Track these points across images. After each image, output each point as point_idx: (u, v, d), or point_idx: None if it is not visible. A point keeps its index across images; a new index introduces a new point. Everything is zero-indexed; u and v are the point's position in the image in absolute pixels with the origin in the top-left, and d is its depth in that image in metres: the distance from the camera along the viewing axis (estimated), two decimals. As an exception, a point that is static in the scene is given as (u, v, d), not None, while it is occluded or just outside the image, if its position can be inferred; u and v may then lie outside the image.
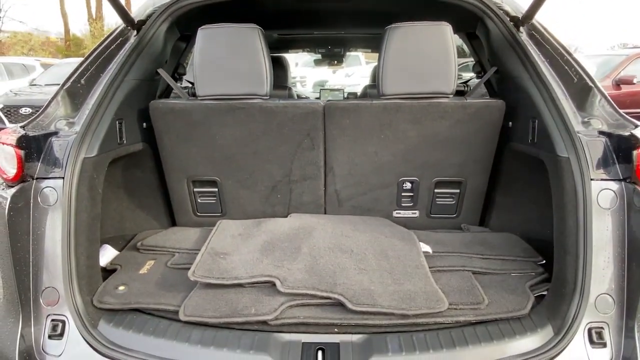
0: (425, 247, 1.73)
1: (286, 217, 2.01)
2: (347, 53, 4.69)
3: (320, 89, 5.14)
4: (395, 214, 2.04)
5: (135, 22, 1.90)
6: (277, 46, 4.18)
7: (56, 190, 1.46)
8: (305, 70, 13.76)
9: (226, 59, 1.77)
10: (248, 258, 1.59)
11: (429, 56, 1.74)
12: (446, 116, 1.78)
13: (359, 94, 3.87)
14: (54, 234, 1.44)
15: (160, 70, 1.96)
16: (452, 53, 1.74)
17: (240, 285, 1.48)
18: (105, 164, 1.62)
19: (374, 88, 3.09)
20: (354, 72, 11.66)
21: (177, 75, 2.56)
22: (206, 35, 1.77)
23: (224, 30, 1.76)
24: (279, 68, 3.67)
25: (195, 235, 1.93)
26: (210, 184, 2.00)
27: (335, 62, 5.19)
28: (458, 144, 1.85)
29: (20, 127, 1.55)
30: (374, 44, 3.87)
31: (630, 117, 1.54)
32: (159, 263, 1.73)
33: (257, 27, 1.77)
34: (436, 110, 1.77)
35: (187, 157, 1.92)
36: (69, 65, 9.80)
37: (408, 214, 2.04)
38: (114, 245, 1.92)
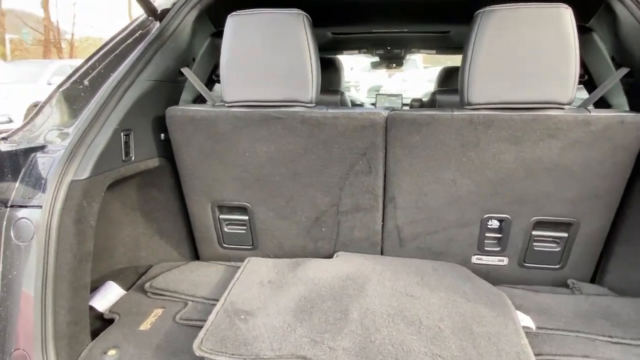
0: (525, 320, 1.24)
1: (331, 256, 1.58)
2: (408, 55, 4.22)
3: (376, 94, 4.68)
4: (475, 259, 1.55)
5: (159, 11, 1.55)
6: (331, 47, 3.79)
7: (32, 223, 1.11)
8: (359, 75, 13.33)
9: (261, 54, 1.37)
10: (276, 323, 1.17)
11: (540, 51, 1.25)
12: (559, 135, 1.28)
13: (424, 100, 3.38)
14: (28, 281, 1.10)
15: (184, 70, 1.59)
16: (573, 47, 1.24)
17: None
18: (102, 187, 1.26)
19: (446, 94, 2.59)
20: (410, 77, 11.09)
21: (216, 77, 2.20)
22: (236, 24, 1.38)
23: (259, 18, 1.36)
24: (333, 70, 3.26)
25: (217, 275, 1.55)
26: (239, 210, 1.61)
27: (395, 64, 4.71)
28: (573, 173, 1.34)
29: (1, 139, 1.23)
30: (441, 44, 3.37)
31: None
32: (166, 314, 1.36)
33: (302, 12, 1.36)
34: (545, 126, 1.28)
35: (211, 178, 1.54)
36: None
37: (493, 260, 1.54)
38: (123, 280, 1.58)
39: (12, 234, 1.12)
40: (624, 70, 1.41)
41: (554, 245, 1.49)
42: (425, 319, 1.18)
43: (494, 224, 1.48)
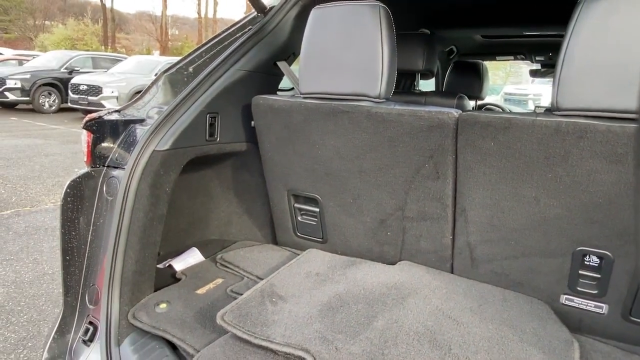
0: (591, 381, 0.98)
1: (395, 264, 1.49)
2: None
3: (536, 106, 4.19)
4: (564, 300, 1.29)
5: (267, 8, 1.68)
6: (481, 51, 3.53)
7: (119, 182, 1.32)
8: (541, 87, 11.96)
9: (335, 46, 1.36)
10: (300, 312, 1.16)
11: None
12: None
13: None
14: (109, 230, 1.31)
15: (280, 63, 1.68)
16: None
17: (271, 349, 1.07)
18: (182, 160, 1.43)
19: None
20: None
21: None
22: (317, 17, 1.40)
23: (338, 10, 1.36)
24: (473, 75, 3.04)
25: (281, 259, 1.60)
26: (311, 201, 1.64)
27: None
28: None
29: (115, 110, 1.49)
30: None
31: None
32: (224, 284, 1.47)
33: (379, 4, 1.31)
34: None
35: (287, 166, 1.60)
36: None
37: (588, 305, 1.26)
38: (208, 249, 1.75)
39: (104, 189, 1.35)
40: None
41: None
42: (458, 347, 1.03)
43: (591, 260, 1.21)
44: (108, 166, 1.36)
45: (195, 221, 1.84)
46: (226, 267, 1.57)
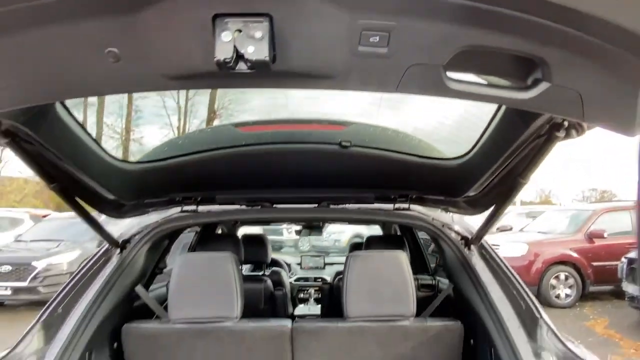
0: None
1: None
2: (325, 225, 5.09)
3: (302, 256, 5.28)
4: None
5: (120, 242, 2.05)
6: (258, 221, 4.47)
7: None
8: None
9: (200, 283, 1.87)
10: None
11: (388, 280, 1.88)
12: (409, 338, 1.86)
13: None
14: None
15: (138, 289, 2.04)
16: (408, 277, 1.88)
17: None
18: None
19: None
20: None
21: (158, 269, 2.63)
22: (184, 262, 1.92)
23: (201, 256, 1.92)
24: (259, 246, 3.74)
25: None
26: None
27: (316, 233, 5.62)
28: None
29: None
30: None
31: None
32: None
33: (232, 254, 1.92)
34: (399, 332, 1.86)
35: None
36: (59, 220, 9.92)
37: None
38: None
39: None
40: (450, 286, 2.08)
41: None
42: None
43: None
44: None
45: None
46: None
